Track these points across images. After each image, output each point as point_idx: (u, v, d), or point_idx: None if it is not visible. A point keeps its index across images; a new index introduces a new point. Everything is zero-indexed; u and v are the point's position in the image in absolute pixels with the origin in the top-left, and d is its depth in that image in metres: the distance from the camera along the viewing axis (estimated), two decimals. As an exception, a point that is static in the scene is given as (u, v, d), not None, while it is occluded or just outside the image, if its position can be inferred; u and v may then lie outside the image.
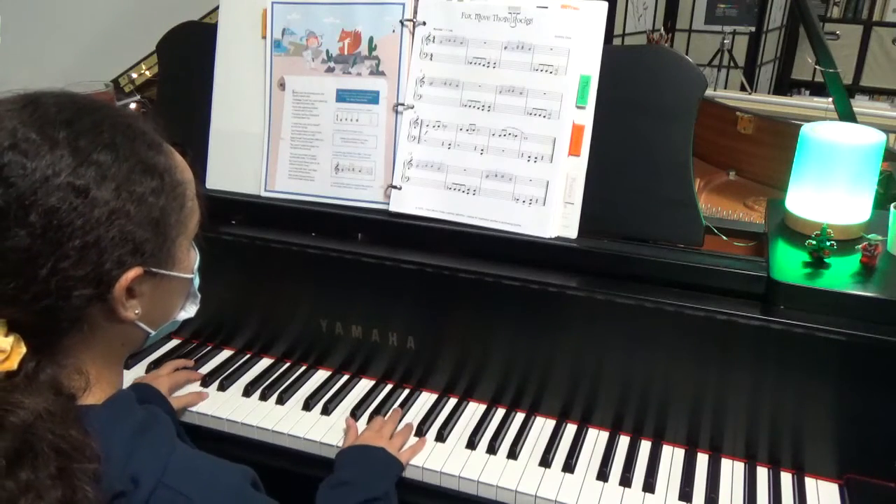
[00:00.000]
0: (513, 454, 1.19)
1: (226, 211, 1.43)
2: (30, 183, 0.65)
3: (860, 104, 2.76)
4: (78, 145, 0.68)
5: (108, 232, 0.68)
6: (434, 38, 1.31)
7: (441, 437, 1.23)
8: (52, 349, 0.71)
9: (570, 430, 1.25)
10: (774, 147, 1.87)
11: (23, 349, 0.67)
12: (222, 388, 1.35)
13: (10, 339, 0.67)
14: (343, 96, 1.36)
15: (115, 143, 0.70)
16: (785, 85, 5.01)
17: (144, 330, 0.78)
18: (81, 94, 0.74)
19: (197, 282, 0.85)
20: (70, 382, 0.71)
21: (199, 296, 0.87)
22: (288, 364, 1.42)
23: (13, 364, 0.66)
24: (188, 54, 1.48)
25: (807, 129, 1.25)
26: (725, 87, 4.15)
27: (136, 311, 0.74)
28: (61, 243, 0.66)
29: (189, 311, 0.85)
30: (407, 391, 1.35)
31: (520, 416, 1.28)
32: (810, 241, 1.17)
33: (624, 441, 1.23)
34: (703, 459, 1.19)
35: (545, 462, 1.18)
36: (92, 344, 0.74)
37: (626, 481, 1.14)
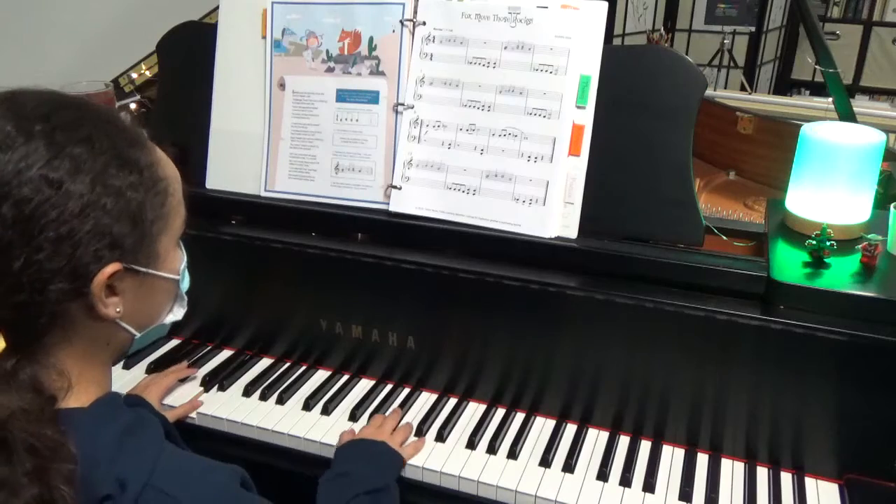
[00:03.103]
0: (513, 454, 1.19)
1: (226, 211, 1.44)
2: (1, 174, 0.66)
3: (860, 104, 2.75)
4: (54, 138, 0.68)
5: (82, 225, 0.68)
6: (434, 38, 1.31)
7: (441, 437, 1.23)
8: (33, 347, 0.71)
9: (570, 430, 1.25)
10: (774, 147, 1.87)
11: (0, 345, 0.67)
12: (222, 388, 1.35)
13: None
14: (343, 96, 1.36)
15: (92, 137, 0.70)
16: (785, 85, 5.01)
17: (129, 331, 0.78)
18: (63, 92, 0.74)
19: (186, 284, 0.85)
20: (51, 383, 0.71)
21: (186, 298, 0.86)
22: (288, 364, 1.42)
23: None
24: (188, 54, 1.48)
25: (807, 129, 1.25)
26: (725, 87, 4.15)
27: (118, 310, 0.74)
28: (34, 235, 0.66)
29: (176, 313, 0.85)
30: (407, 391, 1.35)
31: (520, 416, 1.28)
32: (810, 241, 1.17)
33: (624, 441, 1.23)
34: (703, 459, 1.19)
35: (545, 462, 1.18)
36: (74, 342, 0.73)
37: (626, 481, 1.14)
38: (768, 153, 1.89)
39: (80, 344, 0.74)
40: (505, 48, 1.27)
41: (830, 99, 1.85)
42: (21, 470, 0.63)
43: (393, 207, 1.32)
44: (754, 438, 1.17)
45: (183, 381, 1.37)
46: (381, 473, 1.10)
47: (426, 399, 1.33)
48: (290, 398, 1.33)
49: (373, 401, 1.32)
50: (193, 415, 1.30)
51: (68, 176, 0.67)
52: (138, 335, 0.80)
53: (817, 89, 4.57)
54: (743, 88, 3.53)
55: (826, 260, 1.16)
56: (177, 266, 0.81)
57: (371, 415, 1.28)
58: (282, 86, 1.40)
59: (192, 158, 1.44)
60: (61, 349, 0.73)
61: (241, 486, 0.78)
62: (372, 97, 1.34)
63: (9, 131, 0.67)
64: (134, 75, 1.92)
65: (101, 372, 0.78)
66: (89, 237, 0.68)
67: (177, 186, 0.79)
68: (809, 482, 1.15)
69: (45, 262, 0.67)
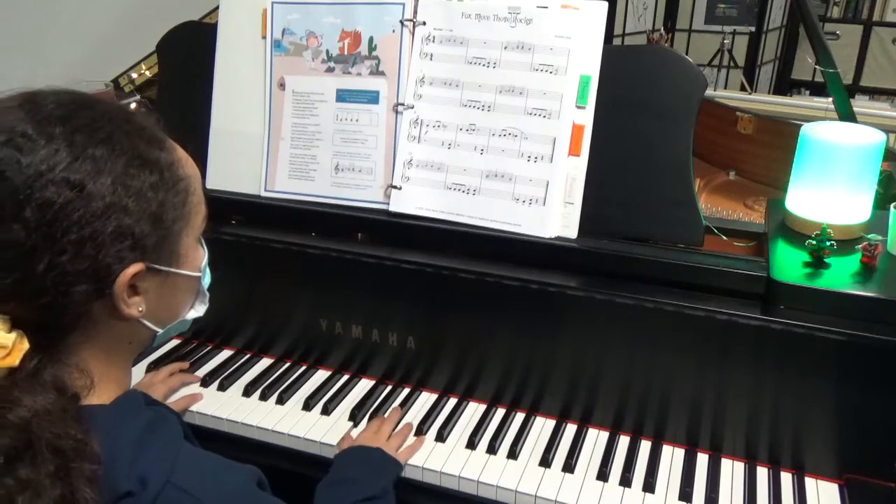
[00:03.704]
0: (513, 454, 1.19)
1: (226, 211, 1.44)
2: (24, 178, 0.66)
3: (860, 104, 2.76)
4: (74, 140, 0.68)
5: (104, 226, 0.68)
6: (434, 38, 1.31)
7: (441, 437, 1.23)
8: (57, 347, 0.71)
9: (570, 430, 1.25)
10: (774, 147, 1.87)
11: (25, 346, 0.67)
12: (222, 388, 1.35)
13: (13, 335, 0.67)
14: (343, 96, 1.36)
15: (112, 138, 0.70)
16: (785, 85, 5.01)
17: (151, 328, 0.78)
18: (82, 92, 0.74)
19: (207, 280, 0.85)
20: (73, 382, 0.71)
21: (208, 294, 0.86)
22: (288, 364, 1.42)
23: (15, 360, 0.66)
24: (188, 54, 1.48)
25: (807, 129, 1.25)
26: (725, 87, 4.15)
27: (140, 309, 0.74)
28: (57, 238, 0.66)
29: (198, 310, 0.85)
30: (407, 391, 1.35)
31: (520, 416, 1.28)
32: (810, 241, 1.17)
33: (624, 441, 1.23)
34: (703, 459, 1.19)
35: (545, 462, 1.18)
36: (97, 342, 0.74)
37: (626, 481, 1.14)
38: (768, 153, 1.89)
39: (103, 343, 0.74)
40: (505, 48, 1.27)
41: (830, 99, 1.85)
42: (45, 471, 0.63)
43: (393, 207, 1.32)
44: (754, 438, 1.17)
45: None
46: (378, 479, 1.10)
47: (426, 399, 1.33)
48: (290, 398, 1.33)
49: (373, 401, 1.32)
50: (194, 413, 1.30)
51: (90, 178, 0.67)
52: (160, 332, 0.80)
53: (817, 89, 4.58)
54: (743, 88, 3.54)
55: (826, 260, 1.16)
56: (198, 263, 0.81)
57: (371, 415, 1.28)
58: (282, 86, 1.40)
59: (192, 158, 1.43)
60: (84, 348, 0.73)
61: (257, 486, 0.78)
62: (372, 97, 1.34)
63: (30, 134, 0.67)
64: (134, 75, 1.93)
65: (122, 370, 0.79)
66: (111, 238, 0.69)
67: (197, 185, 0.79)
68: (809, 482, 1.15)
69: (67, 264, 0.67)
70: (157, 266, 0.74)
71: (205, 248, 0.84)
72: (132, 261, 0.71)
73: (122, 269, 0.70)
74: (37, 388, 0.67)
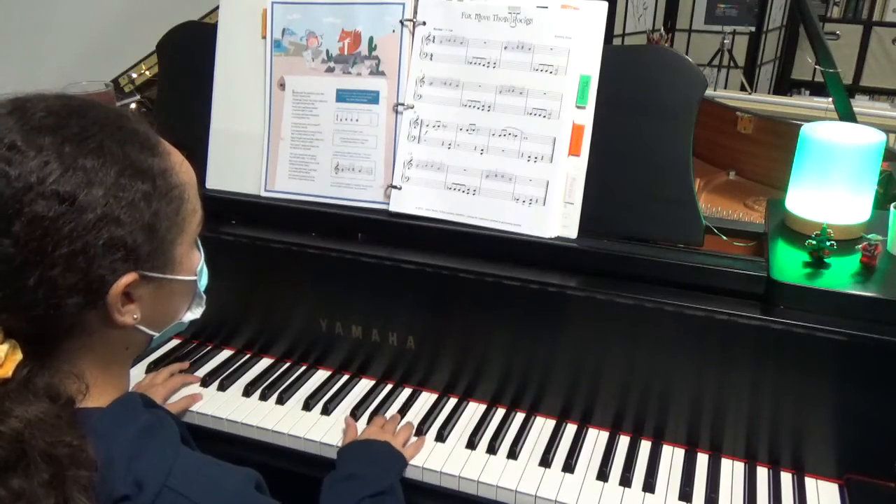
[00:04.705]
0: (513, 454, 1.19)
1: (226, 211, 1.44)
2: (13, 191, 0.64)
3: (860, 104, 2.76)
4: (63, 151, 0.66)
5: (96, 239, 0.67)
6: (434, 37, 1.31)
7: (441, 437, 1.23)
8: (51, 355, 0.70)
9: (570, 430, 1.25)
10: (774, 147, 1.87)
11: (18, 356, 0.66)
12: (222, 388, 1.35)
13: (6, 346, 0.66)
14: (343, 96, 1.36)
15: (103, 147, 0.68)
16: (785, 85, 5.01)
17: (147, 333, 0.78)
18: (74, 96, 0.73)
19: (204, 282, 0.84)
20: (68, 387, 0.70)
21: (205, 297, 0.85)
22: (288, 364, 1.42)
23: (7, 371, 0.65)
24: (188, 54, 1.48)
25: (807, 129, 1.25)
26: (725, 87, 4.15)
27: (135, 316, 0.73)
28: (48, 252, 0.65)
29: (195, 311, 0.84)
30: (407, 391, 1.35)
31: (520, 416, 1.28)
32: (810, 241, 1.17)
33: (624, 441, 1.23)
34: (703, 459, 1.19)
35: (545, 462, 1.18)
36: (93, 349, 0.73)
37: (626, 481, 1.14)
38: (768, 153, 1.89)
39: (99, 350, 0.73)
40: (505, 48, 1.27)
41: (830, 99, 1.85)
42: (38, 480, 0.63)
43: (393, 207, 1.32)
44: (754, 438, 1.17)
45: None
46: (385, 475, 1.10)
47: (426, 399, 1.33)
48: (290, 398, 1.33)
49: (373, 401, 1.32)
50: (194, 413, 1.30)
51: (80, 189, 0.66)
52: (156, 335, 0.80)
53: (817, 89, 4.57)
54: (743, 88, 3.54)
55: (826, 260, 1.16)
56: (194, 267, 0.80)
57: (371, 415, 1.28)
58: (282, 86, 1.40)
59: (192, 158, 1.43)
60: (79, 355, 0.72)
61: (255, 489, 0.78)
62: (372, 97, 1.34)
63: (18, 146, 0.65)
64: (134, 75, 1.93)
65: (119, 374, 0.78)
66: (104, 250, 0.67)
67: (192, 192, 0.77)
68: (809, 482, 1.15)
69: (59, 277, 0.66)
70: (151, 274, 0.73)
71: (201, 250, 0.83)
72: (125, 271, 0.69)
73: (115, 279, 0.69)
74: (29, 398, 0.66)
